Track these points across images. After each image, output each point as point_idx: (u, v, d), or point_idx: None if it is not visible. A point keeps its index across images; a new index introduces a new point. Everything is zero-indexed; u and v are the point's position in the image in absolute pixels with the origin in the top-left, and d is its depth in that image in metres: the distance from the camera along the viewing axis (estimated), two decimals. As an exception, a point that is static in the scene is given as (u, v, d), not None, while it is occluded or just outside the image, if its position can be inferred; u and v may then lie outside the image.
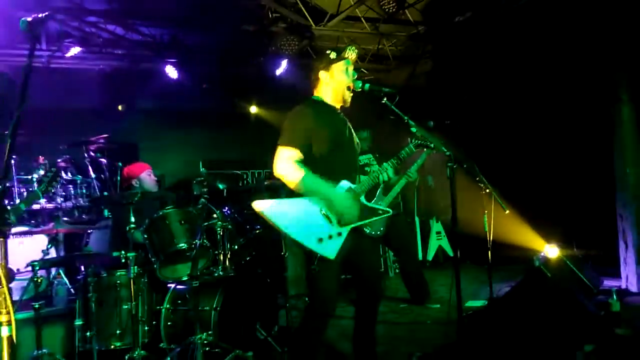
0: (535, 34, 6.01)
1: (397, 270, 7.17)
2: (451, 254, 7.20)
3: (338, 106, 3.07)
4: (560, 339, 3.42)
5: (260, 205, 2.70)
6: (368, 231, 4.61)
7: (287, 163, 2.78)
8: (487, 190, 4.32)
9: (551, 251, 4.87)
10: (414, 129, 2.90)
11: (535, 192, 6.66)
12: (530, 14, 5.78)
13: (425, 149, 2.94)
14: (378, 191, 4.71)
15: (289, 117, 2.92)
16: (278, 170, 2.81)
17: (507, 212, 4.42)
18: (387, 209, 3.03)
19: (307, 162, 2.83)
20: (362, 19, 6.61)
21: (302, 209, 2.76)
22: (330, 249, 2.75)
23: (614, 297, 4.11)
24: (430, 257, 7.57)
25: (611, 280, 5.26)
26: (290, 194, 2.87)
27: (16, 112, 1.79)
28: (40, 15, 1.93)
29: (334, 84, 3.00)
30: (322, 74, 3.01)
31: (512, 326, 3.78)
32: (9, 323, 1.63)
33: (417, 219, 7.72)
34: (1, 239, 1.63)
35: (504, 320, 3.94)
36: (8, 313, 1.62)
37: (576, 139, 6.16)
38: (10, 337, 1.64)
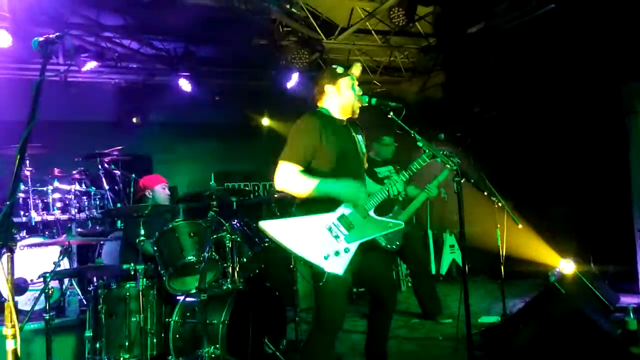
0: (549, 45, 5.98)
1: (409, 284, 7.10)
2: (464, 267, 7.12)
3: (344, 118, 3.07)
4: (573, 358, 3.35)
5: (266, 226, 2.72)
6: (384, 244, 4.61)
7: (290, 176, 2.79)
8: (500, 204, 4.30)
9: (566, 267, 4.79)
10: (420, 143, 2.89)
11: (551, 205, 6.57)
12: (544, 25, 5.76)
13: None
14: (396, 206, 4.70)
15: (293, 130, 2.92)
16: (279, 184, 2.83)
17: (521, 226, 4.38)
18: (399, 222, 2.98)
19: (315, 176, 2.83)
20: (372, 31, 6.63)
21: (307, 226, 2.76)
22: (337, 265, 2.74)
23: (631, 314, 4.02)
24: (443, 270, 7.49)
25: (628, 296, 5.14)
26: (298, 208, 2.88)
27: (26, 128, 1.82)
28: (51, 36, 1.98)
29: (341, 98, 3.00)
30: (327, 87, 3.01)
31: (525, 343, 3.71)
32: (14, 337, 1.65)
33: (430, 232, 7.67)
34: (8, 254, 1.65)
35: (517, 337, 3.88)
36: (14, 327, 1.64)
37: (592, 152, 6.08)
38: (15, 350, 1.65)
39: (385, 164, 5.23)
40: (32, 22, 5.51)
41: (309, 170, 2.85)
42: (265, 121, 8.45)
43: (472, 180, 2.84)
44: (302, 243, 2.71)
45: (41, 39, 2.05)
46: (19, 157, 1.81)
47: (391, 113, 2.89)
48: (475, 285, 6.53)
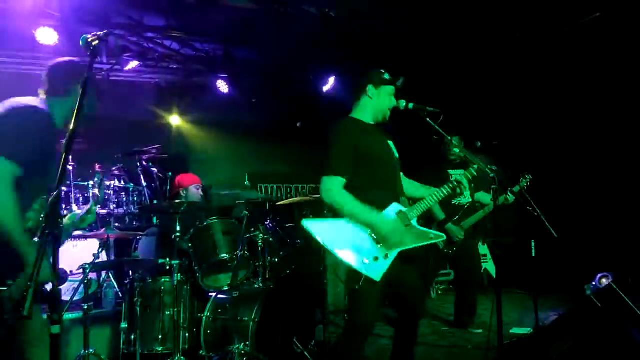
0: (586, 54, 5.85)
1: (439, 292, 7.03)
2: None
3: (376, 123, 3.08)
4: (608, 372, 3.27)
5: (309, 225, 2.76)
6: (441, 247, 4.57)
7: (331, 192, 2.83)
8: (536, 214, 4.21)
9: (603, 280, 4.65)
10: (456, 150, 2.88)
11: (588, 216, 6.40)
12: (581, 34, 5.64)
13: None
14: (460, 212, 4.67)
15: (331, 143, 2.93)
16: (325, 199, 2.86)
17: (557, 236, 4.28)
18: (440, 234, 2.98)
19: (353, 184, 2.86)
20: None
21: (349, 229, 2.80)
22: (376, 271, 2.75)
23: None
24: (474, 280, 7.38)
25: (668, 313, 4.96)
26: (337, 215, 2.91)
27: (72, 124, 1.89)
28: (99, 34, 2.05)
29: (377, 103, 3.02)
30: (370, 89, 3.03)
31: (558, 356, 3.63)
32: (57, 322, 1.72)
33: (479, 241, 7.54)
34: (53, 243, 1.72)
35: (550, 350, 3.80)
36: (57, 312, 1.71)
37: (632, 162, 5.90)
38: (57, 335, 1.71)
39: (457, 167, 5.10)
40: (78, 21, 5.69)
41: (355, 180, 2.86)
42: (300, 124, 8.51)
43: (509, 189, 2.79)
44: (343, 245, 2.74)
45: (89, 36, 2.10)
46: (65, 152, 1.88)
47: (428, 118, 2.88)
48: (507, 296, 6.39)
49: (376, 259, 2.78)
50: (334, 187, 2.82)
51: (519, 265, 4.91)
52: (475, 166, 2.96)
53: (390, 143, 3.12)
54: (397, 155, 3.13)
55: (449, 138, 2.85)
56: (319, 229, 2.77)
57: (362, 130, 2.99)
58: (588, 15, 5.42)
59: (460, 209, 4.77)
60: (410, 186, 3.22)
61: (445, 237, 3.00)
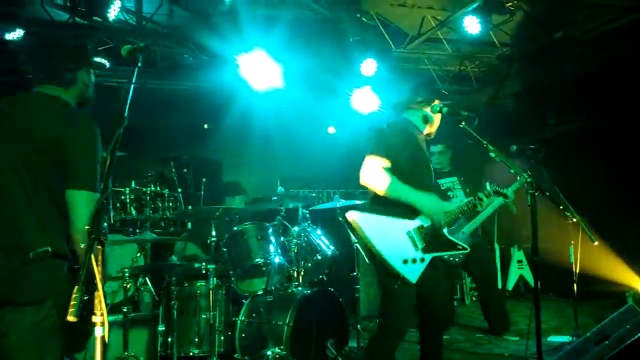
0: (633, 55, 5.69)
1: (473, 298, 6.92)
2: (533, 284, 6.85)
3: (424, 134, 3.11)
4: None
5: (354, 215, 2.78)
6: (446, 257, 4.53)
7: (373, 171, 2.84)
8: (574, 219, 4.11)
9: (643, 287, 4.52)
10: (492, 154, 2.84)
11: (629, 222, 6.21)
12: (627, 34, 5.50)
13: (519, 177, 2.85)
14: (460, 219, 4.62)
15: (377, 130, 3.01)
16: (364, 178, 2.88)
17: (596, 243, 4.17)
18: (465, 246, 3.00)
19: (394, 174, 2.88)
20: (443, 40, 6.56)
21: (391, 227, 2.82)
22: (413, 273, 2.77)
23: None
24: (510, 286, 7.23)
25: None
26: (378, 205, 2.91)
27: (116, 131, 1.94)
28: (140, 45, 2.11)
29: (432, 121, 3.08)
30: (422, 105, 3.06)
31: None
32: (102, 324, 1.76)
33: (497, 247, 7.43)
34: (100, 247, 1.78)
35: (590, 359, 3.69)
36: (102, 315, 1.75)
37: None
38: (103, 337, 1.76)
39: (449, 175, 5.12)
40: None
41: (393, 167, 2.88)
42: (332, 129, 8.53)
43: (547, 194, 2.74)
44: (385, 241, 2.76)
45: (130, 47, 2.16)
46: (109, 159, 1.94)
47: (463, 123, 2.87)
48: (545, 303, 6.26)
49: (414, 261, 2.79)
50: (374, 167, 2.84)
51: (557, 272, 4.80)
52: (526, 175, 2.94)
53: (430, 155, 3.16)
54: (433, 167, 3.18)
55: (485, 143, 2.82)
56: (365, 221, 2.79)
57: (412, 133, 3.05)
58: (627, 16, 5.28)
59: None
60: None
61: (468, 250, 2.99)
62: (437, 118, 3.07)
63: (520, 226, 7.43)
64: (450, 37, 6.53)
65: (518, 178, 4.47)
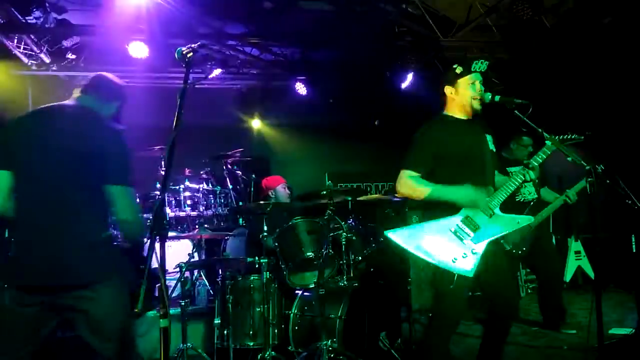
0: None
1: (529, 290, 6.75)
2: (592, 275, 6.60)
3: (469, 117, 3.03)
4: None
5: (393, 235, 2.82)
6: (508, 248, 4.43)
7: (408, 183, 2.88)
8: (636, 207, 3.94)
9: None
10: (548, 142, 2.76)
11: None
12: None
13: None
14: (527, 209, 4.51)
15: (414, 138, 2.99)
16: (401, 191, 2.92)
17: (658, 231, 3.99)
18: (528, 217, 2.94)
19: (437, 181, 2.88)
20: (493, 27, 6.39)
21: (433, 231, 2.82)
22: (467, 267, 2.74)
23: None
24: (567, 278, 6.99)
25: None
26: (424, 212, 2.92)
27: (173, 132, 2.01)
28: (193, 46, 2.18)
29: (459, 98, 3.00)
30: (447, 89, 3.02)
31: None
32: (165, 316, 1.84)
33: (552, 237, 7.20)
34: (160, 242, 1.85)
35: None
36: (165, 307, 1.83)
37: None
38: (166, 328, 1.84)
39: (517, 164, 4.97)
40: (165, 34, 6.04)
41: (431, 174, 2.89)
42: (378, 122, 8.50)
43: (607, 182, 2.64)
44: (430, 249, 2.77)
45: (184, 49, 2.23)
46: (167, 158, 2.01)
47: (516, 110, 2.80)
48: (605, 295, 6.03)
49: (465, 255, 2.76)
50: (408, 179, 2.88)
51: (618, 262, 4.62)
52: (541, 153, 2.87)
53: (487, 137, 3.08)
54: (492, 147, 3.08)
55: (540, 130, 2.75)
56: (403, 237, 2.82)
57: (451, 126, 3.00)
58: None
59: (526, 206, 4.55)
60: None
61: (533, 219, 2.91)
62: (465, 97, 2.97)
63: (577, 216, 7.19)
64: (500, 23, 6.36)
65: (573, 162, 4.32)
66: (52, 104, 2.57)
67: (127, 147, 2.50)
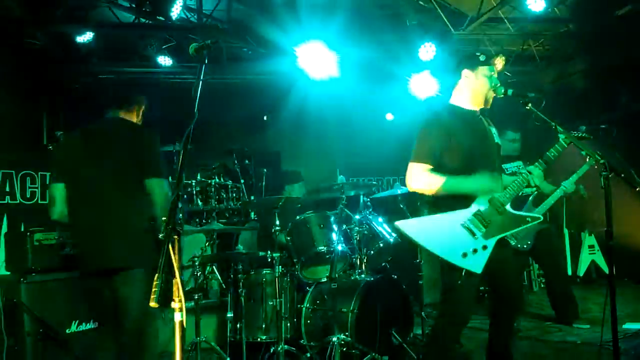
0: None
1: (542, 285, 6.72)
2: (606, 270, 6.55)
3: (477, 108, 3.00)
4: None
5: (402, 225, 2.77)
6: (514, 244, 4.41)
7: (420, 176, 2.82)
8: (651, 201, 3.90)
9: None
10: (562, 136, 2.73)
11: None
12: None
13: (587, 160, 2.72)
14: (528, 202, 4.48)
15: (420, 130, 2.93)
16: (412, 185, 2.86)
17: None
18: (537, 216, 2.91)
19: (441, 172, 2.83)
20: (505, 19, 6.33)
21: (444, 224, 2.77)
22: (476, 263, 2.72)
23: None
24: (581, 272, 6.95)
25: None
26: (432, 207, 2.89)
27: (188, 127, 2.03)
28: (207, 42, 2.19)
29: (475, 86, 2.95)
30: (465, 72, 2.97)
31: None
32: (181, 310, 1.87)
33: (566, 231, 7.15)
34: (176, 237, 1.87)
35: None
36: (180, 301, 1.85)
37: None
38: (181, 322, 1.87)
39: (511, 160, 4.95)
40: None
41: (439, 167, 2.85)
42: (390, 116, 8.47)
43: (622, 175, 2.61)
44: (439, 242, 2.73)
45: (197, 45, 2.24)
46: (182, 153, 2.03)
47: (529, 104, 2.77)
48: (620, 289, 5.96)
49: (475, 251, 2.74)
50: (419, 173, 2.82)
51: (632, 256, 4.58)
52: (553, 151, 2.84)
53: (491, 129, 3.04)
54: (497, 140, 3.04)
55: (553, 125, 2.72)
56: (413, 228, 2.77)
57: (458, 117, 2.94)
58: None
59: (526, 200, 4.52)
60: None
61: (541, 218, 2.89)
62: (482, 86, 2.94)
63: (591, 210, 7.12)
64: (512, 15, 6.30)
65: (587, 159, 4.27)
66: (95, 121, 3.08)
67: (157, 143, 2.95)
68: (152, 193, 2.80)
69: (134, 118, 3.11)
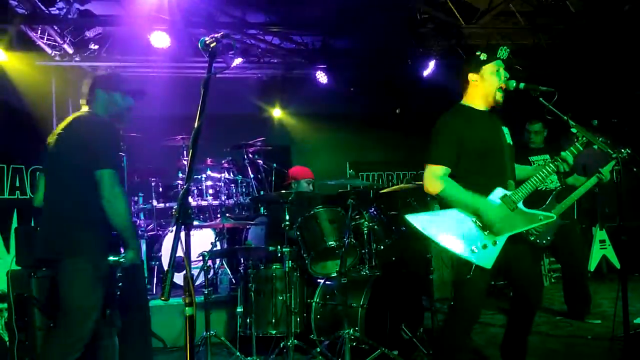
0: None
1: (552, 280, 6.68)
2: (617, 265, 6.49)
3: (488, 108, 2.98)
4: None
5: (412, 219, 2.76)
6: (533, 239, 4.36)
7: (433, 180, 2.81)
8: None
9: None
10: (574, 130, 2.71)
11: None
12: None
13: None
14: (551, 197, 4.44)
15: (434, 130, 2.91)
16: (427, 188, 2.86)
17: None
18: (550, 214, 2.86)
19: (457, 174, 2.83)
20: (516, 13, 6.26)
21: (454, 219, 2.76)
22: (486, 259, 2.71)
23: None
24: (592, 267, 6.89)
25: None
26: (442, 204, 2.88)
27: (197, 122, 2.03)
28: (216, 36, 2.18)
29: (484, 87, 2.92)
30: (471, 77, 2.95)
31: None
32: (190, 304, 1.87)
33: (577, 226, 7.08)
34: (186, 232, 1.88)
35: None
36: (190, 295, 1.86)
37: None
38: (191, 316, 1.87)
39: (539, 153, 4.89)
40: (186, 24, 6.04)
41: (459, 169, 2.83)
42: (399, 111, 8.44)
43: (634, 169, 2.58)
44: (450, 236, 2.72)
45: (207, 39, 2.23)
46: (192, 148, 2.03)
47: (541, 98, 2.74)
48: (631, 284, 5.92)
49: (485, 246, 2.73)
50: (436, 176, 2.81)
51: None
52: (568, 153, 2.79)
53: (504, 129, 3.01)
54: (509, 141, 3.01)
55: (565, 118, 2.69)
56: (423, 222, 2.76)
57: (470, 118, 2.92)
58: None
59: (548, 195, 4.47)
60: (517, 170, 3.10)
61: (555, 217, 2.85)
62: (490, 85, 2.92)
63: (602, 204, 7.06)
64: (523, 9, 6.23)
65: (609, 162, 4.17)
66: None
67: (108, 133, 2.91)
68: (99, 184, 2.80)
69: (99, 110, 3.05)
